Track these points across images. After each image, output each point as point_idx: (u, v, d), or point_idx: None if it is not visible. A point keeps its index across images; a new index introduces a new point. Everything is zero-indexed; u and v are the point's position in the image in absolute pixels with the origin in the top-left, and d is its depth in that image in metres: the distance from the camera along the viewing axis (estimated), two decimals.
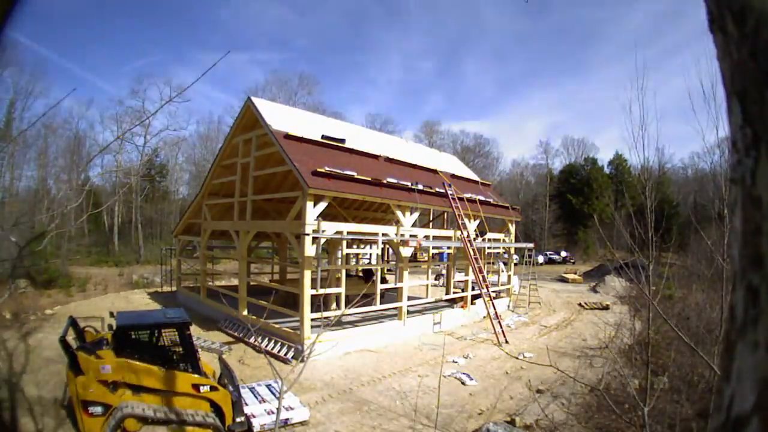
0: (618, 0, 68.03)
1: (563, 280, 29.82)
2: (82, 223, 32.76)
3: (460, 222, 14.23)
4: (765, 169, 0.42)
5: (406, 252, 12.96)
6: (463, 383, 9.05)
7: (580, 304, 19.15)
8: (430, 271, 15.81)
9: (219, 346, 10.84)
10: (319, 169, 10.69)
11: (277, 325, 11.30)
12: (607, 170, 56.35)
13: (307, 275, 10.44)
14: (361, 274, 20.13)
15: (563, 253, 46.04)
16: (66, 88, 48.05)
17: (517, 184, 57.01)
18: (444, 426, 6.87)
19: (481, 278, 14.02)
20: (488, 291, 14.04)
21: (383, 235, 12.37)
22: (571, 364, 10.09)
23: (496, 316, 13.04)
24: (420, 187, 13.45)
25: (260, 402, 7.12)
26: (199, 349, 10.56)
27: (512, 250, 19.17)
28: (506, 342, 12.36)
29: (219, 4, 66.25)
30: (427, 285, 15.17)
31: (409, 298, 13.17)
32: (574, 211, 52.87)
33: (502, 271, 18.52)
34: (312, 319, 10.46)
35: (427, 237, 13.79)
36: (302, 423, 6.90)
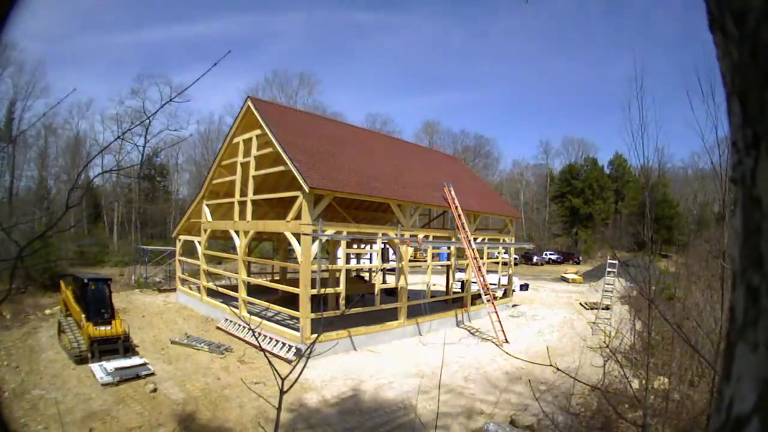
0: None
1: (564, 279, 29.82)
2: (82, 223, 32.83)
3: (459, 222, 14.22)
4: (765, 169, 0.42)
5: (405, 252, 12.96)
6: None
7: (580, 304, 19.14)
8: (430, 270, 15.80)
9: (218, 345, 10.84)
10: (318, 169, 10.69)
11: (277, 325, 11.31)
12: (607, 170, 56.38)
13: (307, 275, 10.44)
14: (360, 275, 20.12)
15: (556, 254, 46.09)
16: (66, 88, 48.07)
17: (517, 184, 57.00)
18: (445, 426, 6.87)
19: (481, 278, 14.01)
20: (488, 291, 14.03)
21: (383, 234, 12.37)
22: (572, 364, 10.09)
23: (497, 316, 13.04)
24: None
25: None
26: (200, 349, 10.61)
27: (512, 250, 19.17)
28: (506, 342, 12.36)
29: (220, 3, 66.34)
30: (426, 284, 15.15)
31: (409, 298, 13.17)
32: (575, 211, 52.87)
33: (503, 272, 18.50)
34: (312, 319, 10.46)
35: (427, 237, 13.79)
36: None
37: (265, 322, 10.49)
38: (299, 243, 10.58)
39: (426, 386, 8.30)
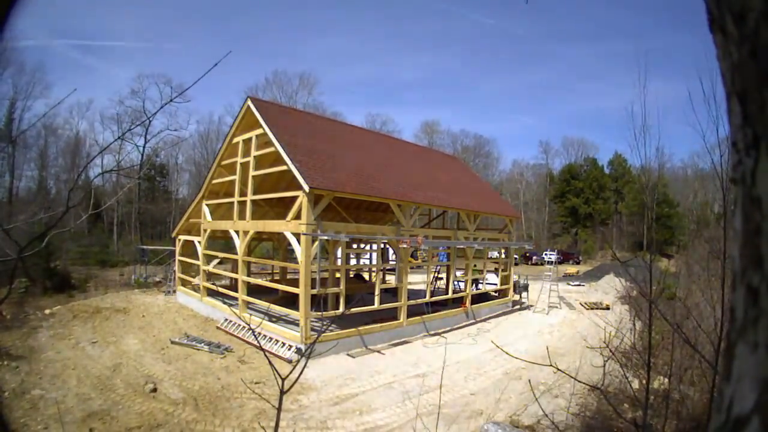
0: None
1: (564, 279, 29.79)
2: (82, 223, 32.85)
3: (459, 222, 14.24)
4: (765, 169, 0.42)
5: (405, 252, 12.97)
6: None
7: (581, 304, 19.15)
8: (430, 270, 15.81)
9: (218, 345, 10.84)
10: (318, 169, 10.69)
11: (277, 325, 11.31)
12: (607, 170, 56.39)
13: (307, 275, 10.44)
14: (360, 274, 20.09)
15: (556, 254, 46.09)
16: (66, 88, 48.08)
17: (517, 184, 57.02)
18: (445, 426, 6.86)
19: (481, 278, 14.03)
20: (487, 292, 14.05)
21: (383, 235, 12.38)
22: (572, 364, 10.09)
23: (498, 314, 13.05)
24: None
25: None
26: (200, 349, 10.61)
27: (512, 250, 19.18)
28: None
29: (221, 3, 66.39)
30: (427, 284, 15.16)
31: (409, 298, 13.16)
32: (575, 210, 52.87)
33: (504, 271, 18.51)
34: (312, 319, 10.46)
35: (426, 237, 13.79)
36: None
37: (265, 322, 10.49)
38: (299, 243, 10.58)
39: (426, 386, 8.30)
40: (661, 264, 19.64)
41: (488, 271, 17.68)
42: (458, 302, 15.68)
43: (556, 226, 54.44)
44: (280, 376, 2.00)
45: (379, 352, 11.13)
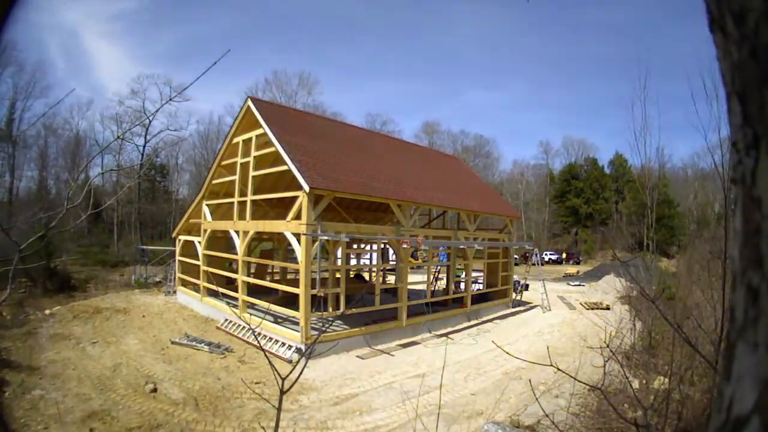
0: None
1: (564, 279, 29.81)
2: (82, 223, 32.85)
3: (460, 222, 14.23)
4: (765, 169, 0.42)
5: (405, 252, 12.96)
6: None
7: (581, 304, 19.14)
8: (430, 270, 15.80)
9: (218, 345, 10.84)
10: (318, 169, 10.69)
11: (277, 325, 11.31)
12: (607, 170, 56.40)
13: (307, 275, 10.44)
14: (360, 275, 20.10)
15: (556, 254, 46.12)
16: (66, 88, 48.10)
17: (517, 184, 57.01)
18: (445, 426, 6.87)
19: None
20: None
21: (383, 235, 12.37)
22: (572, 364, 10.08)
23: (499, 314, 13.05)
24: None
25: None
26: (200, 349, 10.60)
27: (512, 250, 19.18)
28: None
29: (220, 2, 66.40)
30: (427, 284, 15.16)
31: (410, 298, 13.16)
32: (575, 211, 52.86)
33: (504, 271, 18.51)
34: (312, 319, 10.46)
35: (426, 237, 13.79)
36: None
37: (265, 322, 10.49)
38: (299, 243, 10.58)
39: (426, 386, 8.29)
40: (661, 264, 19.65)
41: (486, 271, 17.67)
42: (458, 302, 15.69)
43: (556, 226, 54.45)
44: (280, 376, 2.00)
45: (379, 352, 11.11)
